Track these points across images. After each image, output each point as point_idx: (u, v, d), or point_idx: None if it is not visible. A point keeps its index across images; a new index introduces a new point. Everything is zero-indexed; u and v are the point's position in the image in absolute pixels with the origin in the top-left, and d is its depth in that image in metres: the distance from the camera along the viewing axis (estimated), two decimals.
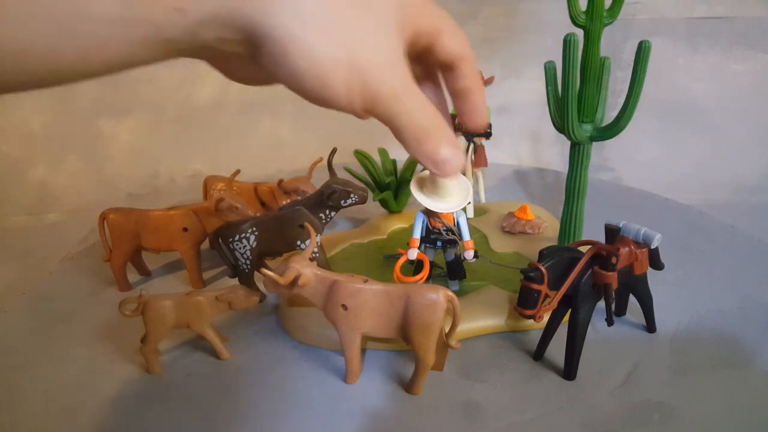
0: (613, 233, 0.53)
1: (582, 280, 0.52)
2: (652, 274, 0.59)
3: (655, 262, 0.59)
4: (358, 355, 0.54)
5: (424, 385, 0.53)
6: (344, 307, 0.51)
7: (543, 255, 0.53)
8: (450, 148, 0.33)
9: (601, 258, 0.52)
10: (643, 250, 0.56)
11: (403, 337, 0.51)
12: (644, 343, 0.59)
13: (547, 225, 0.82)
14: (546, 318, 0.56)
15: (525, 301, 0.52)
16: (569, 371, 0.54)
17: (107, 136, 1.40)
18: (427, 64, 0.35)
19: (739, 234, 0.82)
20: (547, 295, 0.52)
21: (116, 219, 0.69)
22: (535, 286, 0.51)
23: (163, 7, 0.24)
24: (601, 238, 0.55)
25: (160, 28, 0.25)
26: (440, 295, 0.50)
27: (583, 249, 0.55)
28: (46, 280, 0.78)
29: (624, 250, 0.54)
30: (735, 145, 1.33)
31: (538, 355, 0.57)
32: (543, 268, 0.51)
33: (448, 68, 0.35)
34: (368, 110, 0.30)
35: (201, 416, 0.52)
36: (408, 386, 0.54)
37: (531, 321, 0.54)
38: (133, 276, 0.75)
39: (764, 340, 0.58)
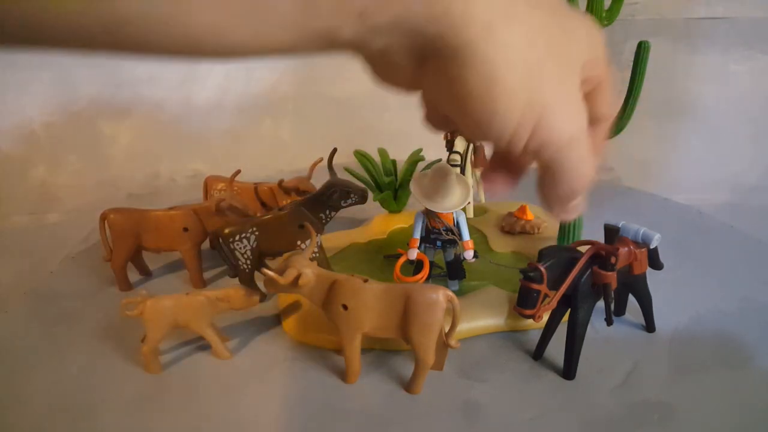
0: (612, 233, 0.53)
1: (581, 279, 0.53)
2: (651, 274, 0.59)
3: (655, 262, 0.59)
4: (358, 354, 0.54)
5: (424, 385, 0.53)
6: (344, 306, 0.51)
7: (542, 255, 0.53)
8: (583, 197, 0.33)
9: (600, 258, 0.53)
10: (642, 250, 0.56)
11: (403, 337, 0.52)
12: (644, 343, 0.59)
13: (547, 225, 0.82)
14: (545, 318, 0.56)
15: (524, 301, 0.52)
16: (569, 371, 0.54)
17: (107, 136, 1.40)
18: None
19: (739, 234, 0.82)
20: (546, 295, 0.52)
21: (117, 219, 0.69)
22: (535, 286, 0.51)
23: (347, 10, 0.23)
24: (600, 238, 0.55)
25: (335, 28, 0.24)
26: (440, 295, 0.50)
27: (583, 249, 0.55)
28: (46, 280, 0.78)
29: (623, 250, 0.54)
30: (734, 145, 1.34)
31: (538, 354, 0.57)
32: (542, 268, 0.51)
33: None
34: (533, 150, 0.28)
35: (201, 416, 0.52)
36: (408, 386, 0.54)
37: (530, 320, 0.54)
38: (133, 276, 0.75)
39: (764, 340, 0.59)
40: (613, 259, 0.52)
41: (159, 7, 0.21)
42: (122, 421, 0.52)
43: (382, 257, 0.75)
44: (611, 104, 0.33)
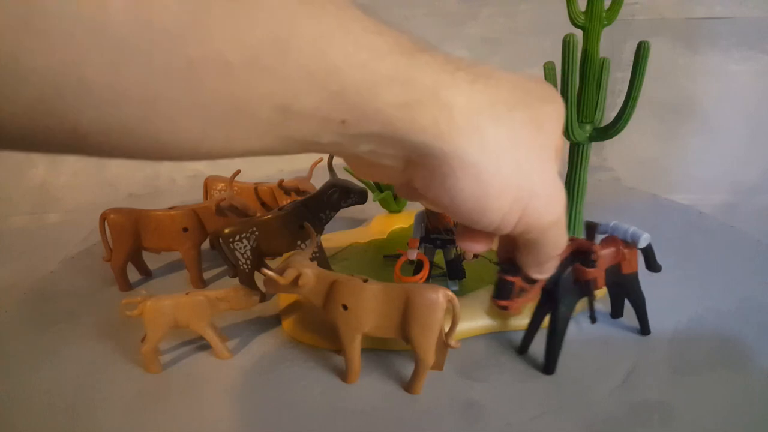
0: (591, 230, 0.54)
1: (563, 275, 0.53)
2: (651, 274, 0.58)
3: (650, 263, 0.58)
4: (358, 354, 0.54)
5: (424, 385, 0.53)
6: (344, 306, 0.51)
7: None
8: (556, 260, 0.36)
9: (582, 254, 0.53)
10: (632, 249, 0.56)
11: (402, 337, 0.52)
12: (643, 343, 0.59)
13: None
14: (530, 312, 0.56)
15: (500, 292, 0.52)
16: (548, 366, 0.55)
17: None
18: None
19: (739, 234, 0.82)
20: (522, 288, 0.52)
21: (117, 219, 0.69)
22: (509, 278, 0.51)
23: (327, 119, 0.23)
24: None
25: (315, 133, 0.23)
26: (440, 295, 0.50)
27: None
28: (46, 280, 0.78)
29: (606, 250, 0.54)
30: (735, 145, 1.34)
31: (523, 348, 0.58)
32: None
33: None
34: (519, 233, 0.30)
35: (201, 416, 0.52)
36: (408, 386, 0.54)
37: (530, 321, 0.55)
38: (133, 276, 0.75)
39: (764, 340, 0.58)
40: (593, 256, 0.52)
41: (122, 120, 0.19)
42: (122, 420, 0.52)
43: (382, 257, 0.75)
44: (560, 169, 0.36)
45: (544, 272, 0.38)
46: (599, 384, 0.53)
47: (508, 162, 0.27)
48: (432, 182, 0.27)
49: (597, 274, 0.53)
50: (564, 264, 0.53)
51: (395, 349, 0.58)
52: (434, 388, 0.53)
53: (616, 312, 0.63)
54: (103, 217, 0.70)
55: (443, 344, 0.52)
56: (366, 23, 0.23)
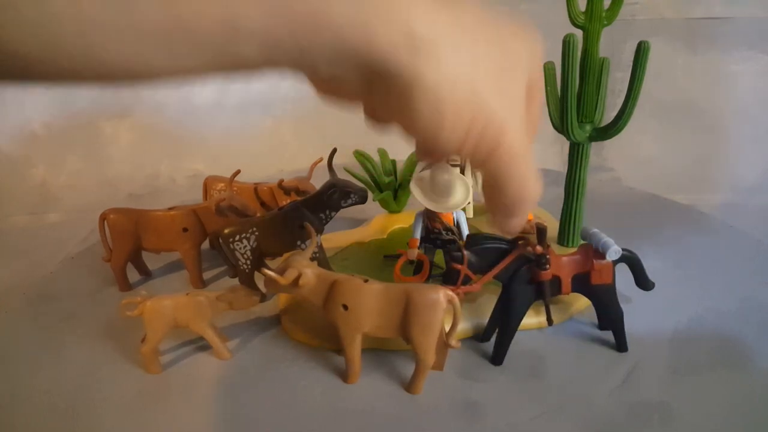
0: (541, 233, 0.54)
1: (518, 272, 0.53)
2: (652, 274, 0.58)
3: (637, 279, 0.57)
4: (358, 354, 0.54)
5: (424, 385, 0.53)
6: (344, 306, 0.51)
7: (469, 240, 0.54)
8: (523, 218, 0.35)
9: (535, 255, 0.53)
10: (607, 261, 0.54)
11: (403, 337, 0.52)
12: (644, 343, 0.59)
13: (547, 225, 0.82)
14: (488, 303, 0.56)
15: (448, 278, 0.53)
16: (496, 357, 0.56)
17: (107, 136, 1.40)
18: None
19: (739, 234, 0.82)
20: (468, 277, 0.53)
21: (117, 219, 0.69)
22: (456, 266, 0.52)
23: (280, 35, 0.23)
24: None
25: (268, 51, 0.23)
26: (440, 295, 0.50)
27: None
28: (46, 280, 0.78)
29: (569, 257, 0.54)
30: (735, 145, 1.34)
31: (485, 337, 0.59)
32: (465, 252, 0.52)
33: None
34: (481, 160, 0.30)
35: (201, 416, 0.52)
36: (408, 386, 0.54)
37: (530, 321, 0.55)
38: (133, 276, 0.75)
39: (764, 340, 0.58)
40: (539, 257, 0.52)
41: (61, 41, 0.19)
42: (122, 421, 0.52)
43: (382, 257, 0.75)
44: (540, 110, 0.34)
45: (510, 226, 0.36)
46: (599, 384, 0.53)
47: (466, 85, 0.27)
48: (391, 104, 0.28)
49: (563, 278, 0.53)
50: (519, 261, 0.53)
51: (395, 349, 0.58)
52: (434, 388, 0.53)
53: (602, 324, 0.61)
54: (103, 217, 0.70)
55: (444, 344, 0.52)
56: None
